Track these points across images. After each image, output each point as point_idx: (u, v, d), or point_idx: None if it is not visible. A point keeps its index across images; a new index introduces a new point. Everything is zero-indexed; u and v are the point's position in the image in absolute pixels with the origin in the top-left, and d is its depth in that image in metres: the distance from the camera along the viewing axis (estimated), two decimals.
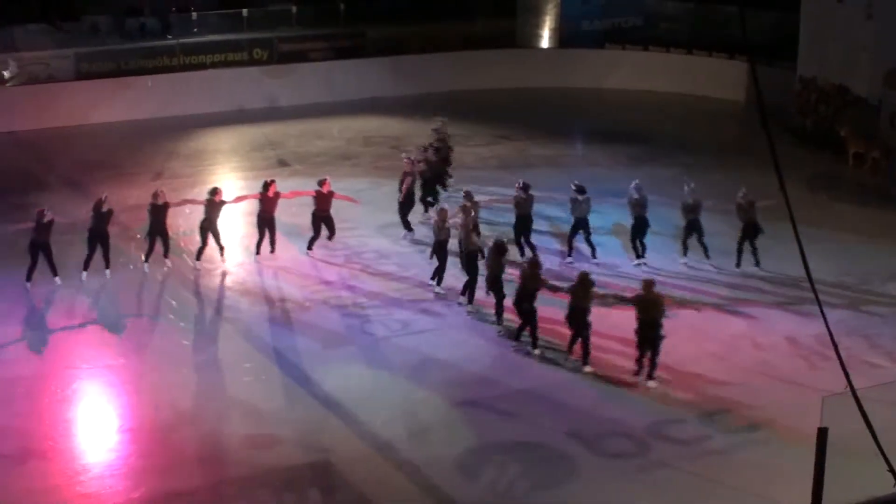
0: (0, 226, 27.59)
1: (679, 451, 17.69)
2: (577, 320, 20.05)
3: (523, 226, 25.00)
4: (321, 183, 25.79)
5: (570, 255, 25.24)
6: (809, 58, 36.83)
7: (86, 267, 24.19)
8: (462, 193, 24.77)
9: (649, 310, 19.53)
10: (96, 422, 18.98)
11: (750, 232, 24.50)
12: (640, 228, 24.95)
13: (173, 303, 23.49)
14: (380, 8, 45.57)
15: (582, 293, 20.02)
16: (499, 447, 17.77)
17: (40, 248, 23.66)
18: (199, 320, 23.08)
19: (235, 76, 41.20)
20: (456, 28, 45.42)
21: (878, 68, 33.30)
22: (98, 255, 24.28)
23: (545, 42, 46.12)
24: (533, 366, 20.59)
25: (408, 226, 26.73)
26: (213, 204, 24.84)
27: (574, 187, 24.90)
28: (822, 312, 11.95)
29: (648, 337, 19.47)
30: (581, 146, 37.86)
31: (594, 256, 25.06)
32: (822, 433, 12.57)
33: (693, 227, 24.85)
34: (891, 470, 11.92)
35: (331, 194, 25.75)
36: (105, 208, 24.14)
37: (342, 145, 36.05)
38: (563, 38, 46.07)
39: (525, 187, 24.95)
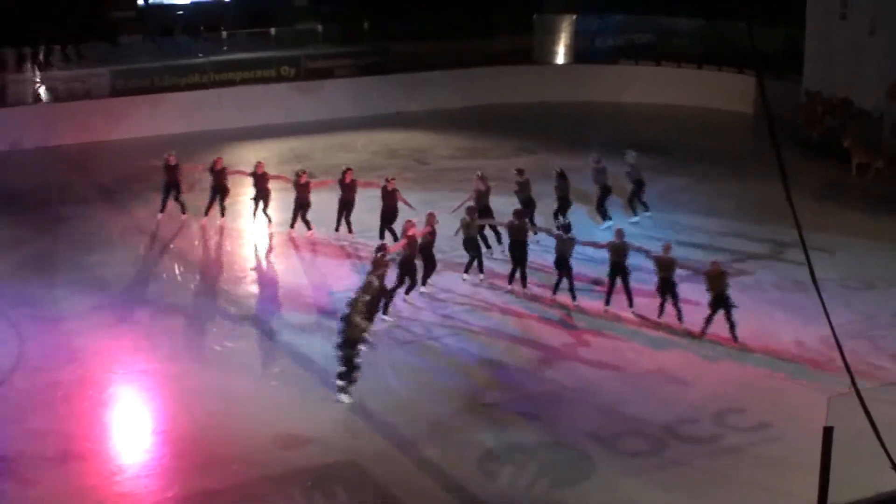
0: (42, 239, 28.12)
1: (693, 449, 17.97)
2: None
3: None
4: (344, 173, 27.82)
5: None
6: (815, 72, 37.11)
7: (162, 209, 28.74)
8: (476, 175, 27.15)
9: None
10: (132, 424, 19.27)
11: (720, 303, 21.96)
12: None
13: (206, 309, 23.84)
14: (403, 26, 45.55)
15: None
16: (519, 447, 17.94)
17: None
18: (231, 325, 23.23)
19: (264, 92, 41.64)
20: (476, 45, 45.49)
21: (882, 82, 33.74)
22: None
23: (561, 58, 46.65)
24: (552, 369, 20.85)
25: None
26: (257, 176, 28.18)
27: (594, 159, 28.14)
28: (828, 316, 11.85)
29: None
30: (597, 157, 38.33)
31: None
32: (828, 432, 12.57)
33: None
34: (894, 467, 11.91)
35: (354, 183, 27.83)
36: (173, 162, 28.76)
37: (367, 158, 36.15)
38: (578, 54, 46.57)
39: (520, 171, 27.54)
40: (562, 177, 27.57)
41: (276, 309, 24.07)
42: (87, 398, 19.91)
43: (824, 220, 28.10)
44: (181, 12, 46.98)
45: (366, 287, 20.27)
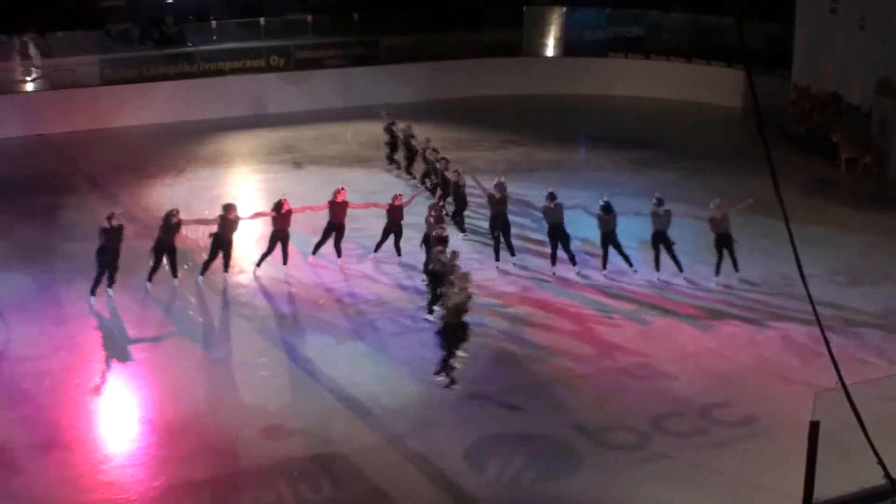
0: (29, 227, 28.08)
1: (679, 443, 17.91)
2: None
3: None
4: (335, 193, 25.44)
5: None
6: (804, 67, 37.20)
7: (150, 278, 23.83)
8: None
9: None
10: (118, 413, 19.18)
11: (723, 243, 24.12)
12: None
13: (192, 300, 23.62)
14: (392, 18, 45.85)
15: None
16: (505, 439, 17.94)
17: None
18: (217, 318, 23.20)
19: (253, 82, 41.71)
20: (465, 37, 45.72)
21: (870, 77, 33.64)
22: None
23: (550, 51, 46.70)
24: (538, 361, 20.81)
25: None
26: (227, 221, 24.12)
27: (546, 194, 25.02)
28: (815, 311, 11.98)
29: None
30: (585, 151, 38.33)
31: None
32: (814, 426, 12.59)
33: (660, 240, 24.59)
34: (880, 462, 12.10)
35: (345, 204, 25.39)
36: (174, 221, 23.54)
37: (355, 149, 36.35)
38: (568, 47, 46.68)
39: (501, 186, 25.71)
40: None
41: (266, 300, 23.97)
42: (74, 387, 19.89)
43: (812, 216, 28.20)
44: (171, 1, 46.78)
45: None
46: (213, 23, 44.55)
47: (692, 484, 16.77)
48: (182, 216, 23.98)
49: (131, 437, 18.28)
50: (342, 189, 25.73)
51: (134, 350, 21.54)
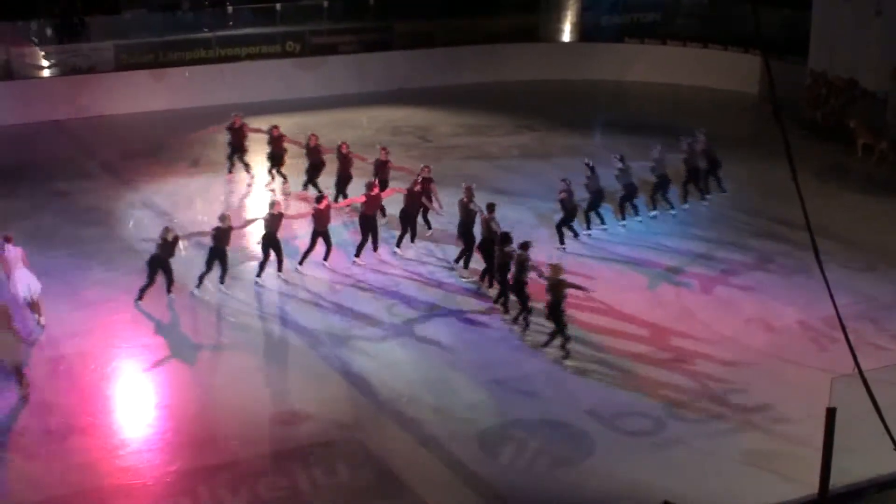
0: (45, 213, 28.10)
1: (693, 428, 18.02)
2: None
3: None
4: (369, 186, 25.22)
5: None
6: (820, 53, 37.08)
7: (140, 296, 22.80)
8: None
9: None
10: (134, 399, 19.36)
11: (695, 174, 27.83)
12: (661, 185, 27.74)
13: (209, 285, 23.43)
14: (408, 3, 45.41)
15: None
16: (520, 425, 18.10)
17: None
18: (233, 303, 23.10)
19: (268, 68, 41.61)
20: (480, 22, 45.39)
21: (886, 63, 33.62)
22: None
23: (566, 36, 46.39)
24: (552, 348, 20.61)
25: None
26: (273, 217, 23.68)
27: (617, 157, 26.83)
28: (832, 296, 11.92)
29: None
30: (600, 136, 38.27)
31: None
32: (831, 413, 12.68)
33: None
34: None
35: (379, 196, 25.23)
36: (171, 237, 22.69)
37: (371, 134, 35.96)
38: (584, 32, 46.38)
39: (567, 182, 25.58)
40: (592, 170, 26.50)
41: (281, 285, 23.97)
42: (90, 372, 19.96)
43: (827, 202, 28.17)
44: None
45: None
46: (229, 8, 44.31)
47: (706, 470, 16.85)
48: (230, 220, 23.29)
49: (147, 423, 18.37)
50: (376, 183, 25.47)
51: (149, 335, 21.56)
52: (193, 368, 20.21)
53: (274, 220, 23.64)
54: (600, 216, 26.61)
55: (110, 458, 17.15)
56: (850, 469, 13.43)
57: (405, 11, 45.10)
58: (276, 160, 29.55)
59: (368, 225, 25.05)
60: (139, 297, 22.67)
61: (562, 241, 25.63)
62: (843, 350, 11.97)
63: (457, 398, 19.06)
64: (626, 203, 26.99)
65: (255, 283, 23.85)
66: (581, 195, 26.20)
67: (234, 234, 23.33)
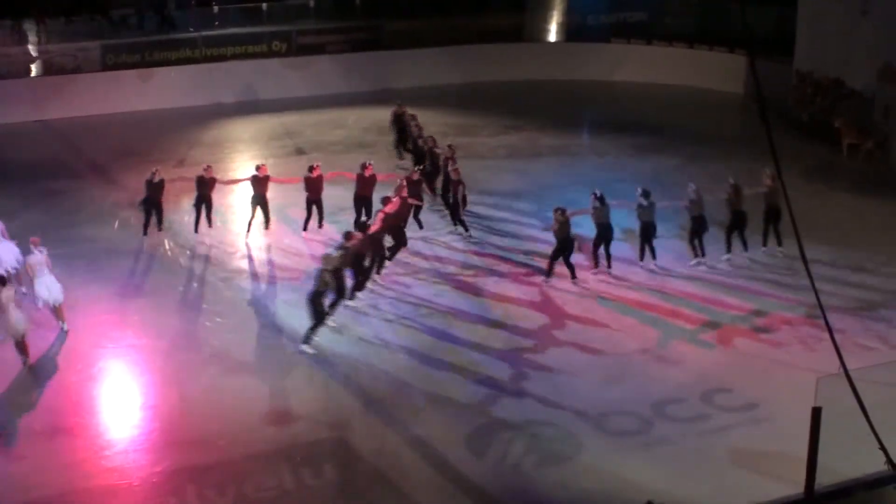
0: (32, 212, 28.04)
1: (680, 428, 17.95)
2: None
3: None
4: (363, 167, 26.14)
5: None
6: (806, 52, 37.06)
7: (145, 232, 26.27)
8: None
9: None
10: (121, 399, 19.31)
11: (737, 222, 24.67)
12: (698, 228, 24.64)
13: (195, 285, 23.66)
14: (395, 2, 45.67)
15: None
16: (507, 424, 18.01)
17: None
18: (221, 301, 23.16)
19: (255, 68, 41.62)
20: (468, 22, 45.62)
21: (873, 63, 33.58)
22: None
23: (553, 36, 46.57)
24: (542, 349, 20.77)
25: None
26: (258, 179, 26.05)
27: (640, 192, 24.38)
28: (817, 296, 11.97)
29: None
30: (588, 136, 38.36)
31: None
32: (817, 412, 12.82)
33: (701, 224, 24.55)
34: (882, 448, 12.13)
35: (373, 178, 26.16)
36: (156, 179, 26.00)
37: (358, 134, 36.26)
38: (570, 32, 46.52)
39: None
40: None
41: (267, 285, 24.02)
42: (76, 372, 19.94)
43: (814, 201, 28.21)
44: None
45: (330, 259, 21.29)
46: (215, 8, 44.49)
47: (693, 469, 16.78)
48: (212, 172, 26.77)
49: (133, 423, 18.32)
50: (370, 164, 26.57)
51: (136, 336, 21.56)
52: (180, 369, 20.08)
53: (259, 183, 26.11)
54: (608, 255, 24.53)
55: (97, 459, 17.08)
56: (836, 468, 13.47)
57: (392, 11, 45.26)
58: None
59: (361, 202, 25.99)
60: (144, 233, 26.27)
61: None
62: (830, 350, 11.91)
63: (443, 397, 18.98)
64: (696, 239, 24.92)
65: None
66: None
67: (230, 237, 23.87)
